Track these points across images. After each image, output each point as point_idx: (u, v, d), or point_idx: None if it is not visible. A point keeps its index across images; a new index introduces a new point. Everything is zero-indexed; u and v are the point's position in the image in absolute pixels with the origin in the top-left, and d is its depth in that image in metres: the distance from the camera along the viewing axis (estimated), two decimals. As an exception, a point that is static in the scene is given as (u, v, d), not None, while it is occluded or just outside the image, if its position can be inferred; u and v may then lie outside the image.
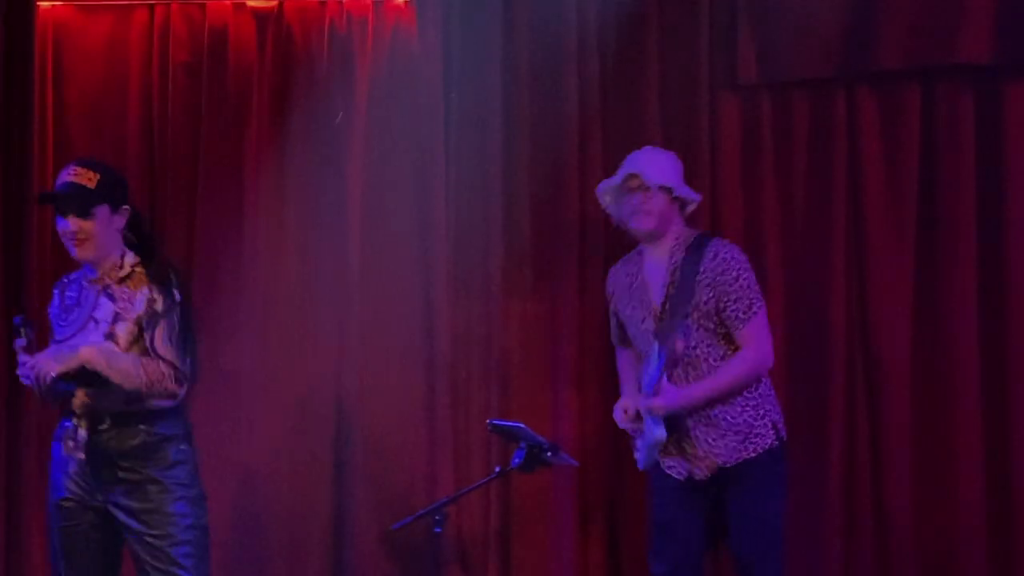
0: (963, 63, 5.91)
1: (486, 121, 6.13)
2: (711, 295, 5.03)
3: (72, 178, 4.62)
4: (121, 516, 4.59)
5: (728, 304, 5.04)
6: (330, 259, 6.15)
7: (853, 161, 6.04)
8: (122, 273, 4.67)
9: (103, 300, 4.65)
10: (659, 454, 5.09)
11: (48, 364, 4.49)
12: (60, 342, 4.66)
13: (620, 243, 6.07)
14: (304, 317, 6.15)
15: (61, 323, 4.73)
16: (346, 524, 6.04)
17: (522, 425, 5.40)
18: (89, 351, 4.52)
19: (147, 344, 4.59)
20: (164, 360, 4.57)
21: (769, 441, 5.06)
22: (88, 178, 4.61)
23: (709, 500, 5.08)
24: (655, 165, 5.20)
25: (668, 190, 5.16)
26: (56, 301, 4.80)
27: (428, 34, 6.16)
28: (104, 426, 4.59)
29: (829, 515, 5.93)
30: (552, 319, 6.11)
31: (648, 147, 5.41)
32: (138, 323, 4.60)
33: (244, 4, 6.22)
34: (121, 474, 4.58)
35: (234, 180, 6.18)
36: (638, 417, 5.08)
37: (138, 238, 4.74)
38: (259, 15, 6.20)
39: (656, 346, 5.00)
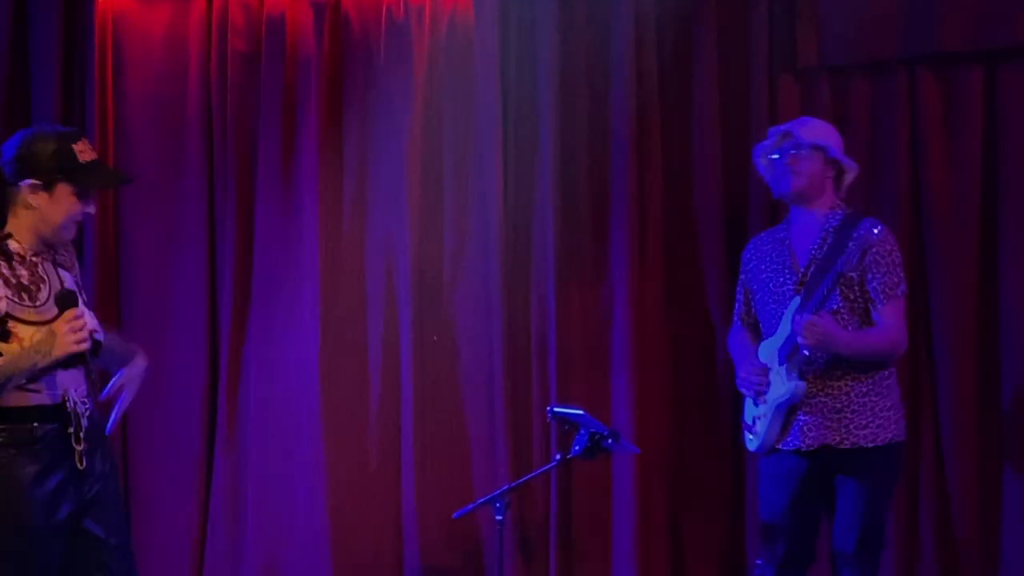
0: (1027, 44, 5.85)
1: (543, 106, 6.11)
2: (859, 264, 4.86)
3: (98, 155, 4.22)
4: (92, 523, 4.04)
5: (876, 276, 4.93)
6: (387, 246, 6.16)
7: (914, 145, 5.97)
8: None
9: (63, 273, 4.15)
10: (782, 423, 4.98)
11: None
12: (40, 324, 3.98)
13: (681, 227, 6.06)
14: (361, 305, 6.16)
15: (25, 304, 4.00)
16: (408, 513, 6.05)
17: (583, 412, 5.38)
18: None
19: None
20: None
21: (891, 434, 4.95)
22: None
23: (817, 483, 4.98)
24: (809, 126, 5.13)
25: (821, 150, 5.05)
26: None
27: (485, 20, 6.14)
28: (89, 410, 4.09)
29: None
30: (609, 305, 6.09)
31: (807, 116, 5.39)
32: None
33: (301, -8, 6.24)
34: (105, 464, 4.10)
35: (292, 168, 6.18)
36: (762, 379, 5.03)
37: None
38: (316, 3, 6.19)
39: (794, 300, 4.92)
